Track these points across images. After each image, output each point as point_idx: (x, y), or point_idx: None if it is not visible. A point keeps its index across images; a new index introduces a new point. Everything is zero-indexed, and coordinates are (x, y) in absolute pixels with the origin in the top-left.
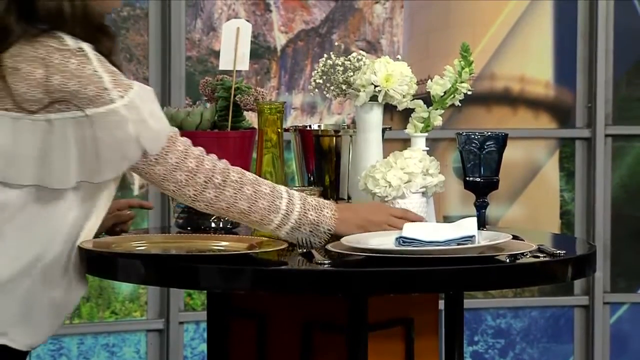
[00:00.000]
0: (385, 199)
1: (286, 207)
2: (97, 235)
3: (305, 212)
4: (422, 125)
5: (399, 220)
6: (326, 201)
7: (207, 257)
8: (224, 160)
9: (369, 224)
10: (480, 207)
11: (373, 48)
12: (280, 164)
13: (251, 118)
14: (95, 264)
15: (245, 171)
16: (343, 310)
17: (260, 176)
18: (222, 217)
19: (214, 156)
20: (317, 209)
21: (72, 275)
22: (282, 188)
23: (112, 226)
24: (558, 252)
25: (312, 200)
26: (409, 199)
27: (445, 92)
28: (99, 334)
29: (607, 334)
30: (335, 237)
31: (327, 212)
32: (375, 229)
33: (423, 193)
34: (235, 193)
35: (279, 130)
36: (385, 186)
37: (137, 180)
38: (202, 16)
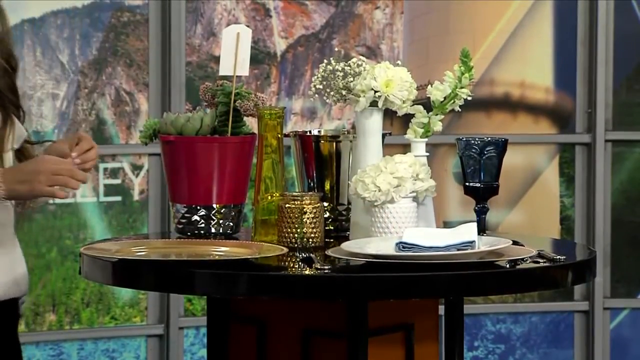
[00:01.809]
0: (375, 204)
1: None
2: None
3: None
4: (422, 130)
5: (64, 180)
6: None
7: (207, 263)
8: None
9: (33, 179)
10: (480, 213)
11: (373, 53)
12: (281, 169)
13: (251, 123)
14: (96, 269)
15: None
16: (343, 315)
17: (260, 181)
18: None
19: None
20: None
21: None
22: None
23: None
24: (558, 257)
25: None
26: (398, 203)
27: (445, 98)
28: (99, 339)
29: (607, 339)
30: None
31: None
32: (39, 186)
33: (413, 198)
34: None
35: (279, 135)
36: (375, 191)
37: (137, 186)
38: (202, 21)
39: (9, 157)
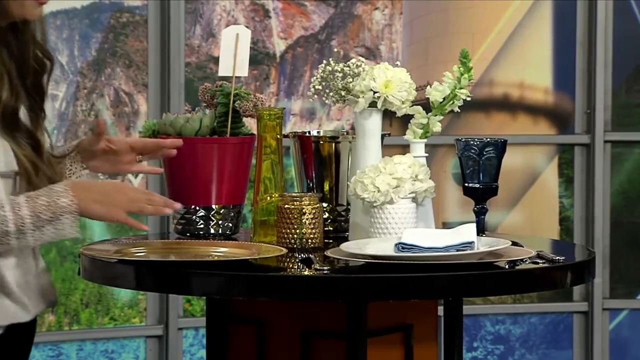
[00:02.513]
0: (374, 205)
1: (14, 225)
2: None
3: (38, 215)
4: (421, 131)
5: (140, 206)
6: (59, 188)
7: (206, 264)
8: None
9: (109, 202)
10: (480, 213)
11: (372, 54)
12: (280, 170)
13: (250, 124)
14: (95, 270)
15: None
16: (342, 316)
17: (259, 182)
18: None
19: None
20: (50, 205)
21: None
22: (6, 207)
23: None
24: (557, 258)
25: (42, 199)
26: (397, 204)
27: (444, 98)
28: (98, 340)
29: (607, 340)
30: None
31: (64, 201)
32: (116, 211)
33: (413, 199)
34: None
35: (278, 136)
36: (374, 191)
37: (136, 186)
38: (201, 22)
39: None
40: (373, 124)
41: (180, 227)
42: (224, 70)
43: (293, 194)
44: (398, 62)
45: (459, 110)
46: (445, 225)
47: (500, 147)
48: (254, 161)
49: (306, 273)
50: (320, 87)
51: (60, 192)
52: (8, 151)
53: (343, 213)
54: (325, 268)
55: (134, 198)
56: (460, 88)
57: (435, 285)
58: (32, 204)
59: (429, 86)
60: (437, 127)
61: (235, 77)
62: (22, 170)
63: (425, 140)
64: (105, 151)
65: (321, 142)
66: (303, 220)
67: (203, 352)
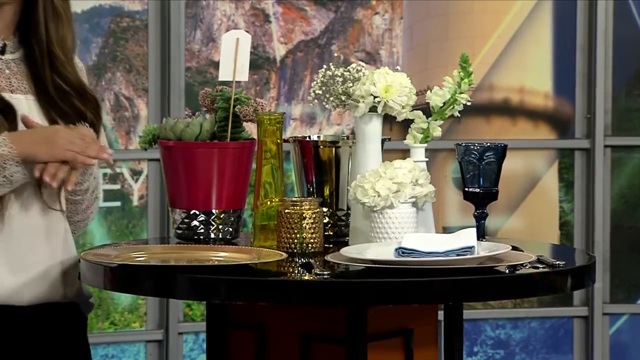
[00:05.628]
0: (374, 209)
1: None
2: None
3: None
4: (422, 136)
5: (79, 143)
6: None
7: (206, 268)
8: None
9: (52, 143)
10: (480, 218)
11: (372, 59)
12: (280, 174)
13: (250, 129)
14: (95, 274)
15: None
16: (342, 321)
17: (259, 187)
18: None
19: None
20: None
21: None
22: None
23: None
24: (557, 262)
25: None
26: (397, 209)
27: (444, 103)
28: (98, 345)
29: (607, 344)
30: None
31: (4, 150)
32: (60, 150)
33: (413, 203)
34: None
35: (279, 141)
36: (374, 196)
37: (136, 191)
38: (201, 27)
39: None
40: (373, 129)
41: (180, 231)
42: (224, 74)
43: (293, 199)
44: (398, 67)
45: (459, 115)
46: (446, 230)
47: (501, 151)
48: (254, 166)
49: (306, 278)
50: (320, 92)
51: None
52: None
53: (343, 218)
54: (325, 273)
55: (73, 141)
56: (461, 93)
57: (435, 290)
58: None
59: (429, 91)
60: (437, 132)
61: (236, 81)
62: None
63: (425, 144)
64: None
65: (321, 146)
66: (303, 225)
67: (203, 357)
